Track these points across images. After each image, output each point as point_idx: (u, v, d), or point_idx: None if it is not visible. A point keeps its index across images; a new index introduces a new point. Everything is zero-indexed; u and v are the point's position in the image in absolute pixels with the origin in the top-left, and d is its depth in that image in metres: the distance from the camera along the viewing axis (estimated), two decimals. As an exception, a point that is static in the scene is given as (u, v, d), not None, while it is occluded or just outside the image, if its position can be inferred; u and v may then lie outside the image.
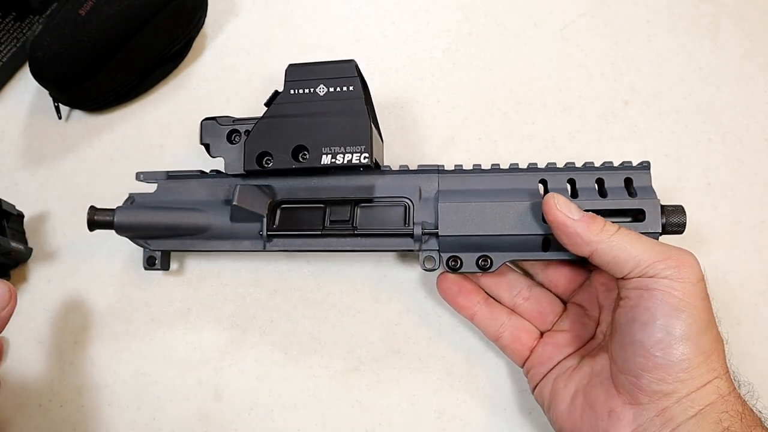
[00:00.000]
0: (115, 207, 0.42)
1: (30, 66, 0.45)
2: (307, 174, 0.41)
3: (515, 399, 0.43)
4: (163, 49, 0.48)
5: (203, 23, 0.51)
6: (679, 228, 0.38)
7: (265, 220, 0.40)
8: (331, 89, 0.40)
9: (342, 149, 0.39)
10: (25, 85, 0.52)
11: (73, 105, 0.50)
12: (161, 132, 0.50)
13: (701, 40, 0.51)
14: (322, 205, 0.41)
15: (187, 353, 0.45)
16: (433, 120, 0.49)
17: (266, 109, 0.41)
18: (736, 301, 0.45)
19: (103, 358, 0.45)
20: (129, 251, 0.47)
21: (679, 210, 0.38)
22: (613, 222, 0.36)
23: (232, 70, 0.52)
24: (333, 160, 0.39)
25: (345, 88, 0.40)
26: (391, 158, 0.47)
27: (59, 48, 0.44)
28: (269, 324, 0.45)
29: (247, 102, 0.50)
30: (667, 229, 0.38)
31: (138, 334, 0.46)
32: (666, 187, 0.47)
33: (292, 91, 0.41)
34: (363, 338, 0.45)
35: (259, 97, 0.50)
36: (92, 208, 0.42)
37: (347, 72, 0.40)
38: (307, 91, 0.40)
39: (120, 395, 0.45)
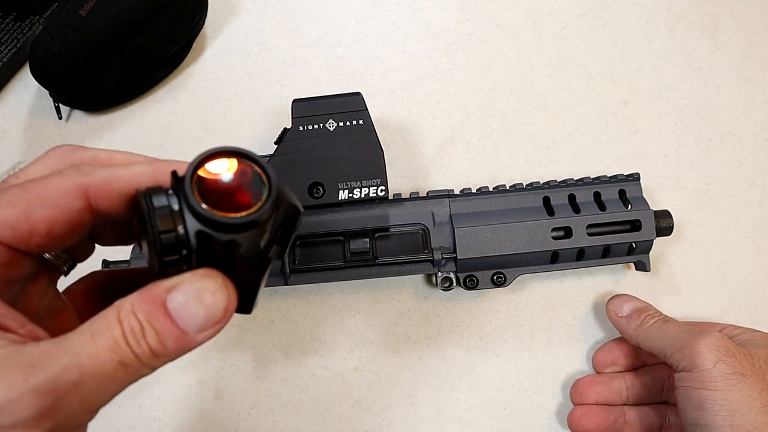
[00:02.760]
0: (129, 258, 0.40)
1: (30, 66, 0.45)
2: (320, 209, 0.41)
3: (515, 399, 0.43)
4: (163, 49, 0.48)
5: (203, 23, 0.51)
6: (667, 231, 0.41)
7: (286, 258, 0.40)
8: (341, 123, 0.40)
9: (358, 183, 0.40)
10: (25, 85, 0.52)
11: (73, 105, 0.50)
12: (161, 132, 0.50)
13: (701, 40, 0.52)
14: (340, 238, 0.41)
15: (187, 353, 0.45)
16: (433, 120, 0.49)
17: (276, 147, 0.41)
18: (735, 301, 0.45)
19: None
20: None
21: (667, 214, 0.42)
22: (617, 240, 0.40)
23: (232, 70, 0.52)
24: (350, 195, 0.40)
25: (355, 122, 0.41)
26: (391, 159, 0.47)
27: (59, 48, 0.44)
28: (269, 324, 0.45)
29: (248, 102, 0.50)
30: (659, 234, 0.41)
31: (138, 334, 0.45)
32: (666, 187, 0.47)
33: (301, 128, 0.41)
34: (363, 338, 0.45)
35: (260, 98, 0.51)
36: (105, 263, 0.40)
37: (355, 105, 0.41)
38: (316, 126, 0.41)
39: (120, 395, 0.44)
